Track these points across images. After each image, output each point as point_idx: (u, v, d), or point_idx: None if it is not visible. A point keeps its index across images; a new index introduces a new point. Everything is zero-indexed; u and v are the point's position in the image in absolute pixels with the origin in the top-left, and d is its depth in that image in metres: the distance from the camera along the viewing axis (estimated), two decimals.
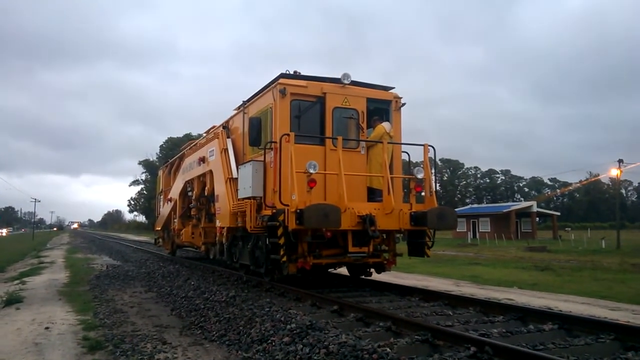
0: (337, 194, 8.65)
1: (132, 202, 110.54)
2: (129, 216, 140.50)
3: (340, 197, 8.43)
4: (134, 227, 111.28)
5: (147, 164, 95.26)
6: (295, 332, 6.20)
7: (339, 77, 9.76)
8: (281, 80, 9.45)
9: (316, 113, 9.69)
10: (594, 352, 5.30)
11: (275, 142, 9.08)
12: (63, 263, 21.26)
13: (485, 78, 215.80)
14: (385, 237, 9.48)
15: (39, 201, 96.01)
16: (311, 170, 8.27)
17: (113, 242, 41.79)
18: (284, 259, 8.37)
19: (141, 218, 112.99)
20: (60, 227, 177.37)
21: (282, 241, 8.32)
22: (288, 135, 8.54)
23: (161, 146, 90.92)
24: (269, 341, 6.27)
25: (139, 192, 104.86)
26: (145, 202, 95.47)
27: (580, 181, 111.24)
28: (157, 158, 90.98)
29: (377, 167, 9.48)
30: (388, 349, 5.16)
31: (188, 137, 78.26)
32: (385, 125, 9.83)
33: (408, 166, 10.46)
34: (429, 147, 9.43)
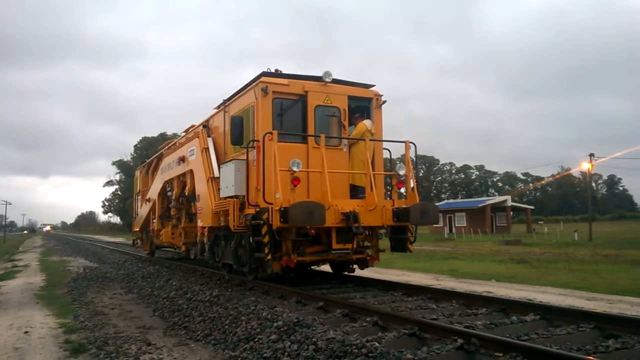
0: (320, 191, 8.70)
1: (107, 203, 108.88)
2: (103, 217, 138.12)
3: (323, 194, 8.48)
4: (108, 228, 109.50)
5: (121, 164, 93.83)
6: (282, 329, 6.22)
7: (320, 75, 9.79)
8: (263, 79, 9.43)
9: (298, 111, 9.70)
10: (576, 340, 5.45)
11: (258, 141, 9.07)
12: (38, 266, 20.84)
13: (454, 74, 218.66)
14: (368, 233, 9.57)
15: (10, 204, 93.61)
16: (295, 168, 8.29)
17: (88, 244, 41.07)
18: (269, 257, 8.38)
19: (116, 219, 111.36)
20: (32, 229, 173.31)
21: (266, 239, 8.32)
22: (271, 133, 8.53)
23: (135, 146, 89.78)
24: (256, 339, 6.27)
25: (113, 192, 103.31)
26: (120, 202, 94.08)
27: (553, 175, 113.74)
28: (131, 158, 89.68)
29: (360, 164, 9.55)
30: (377, 344, 5.22)
31: (163, 137, 77.45)
32: (367, 122, 9.91)
33: (390, 163, 10.57)
34: (410, 144, 9.55)
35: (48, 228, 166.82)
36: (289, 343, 5.76)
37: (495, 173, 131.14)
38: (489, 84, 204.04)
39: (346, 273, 10.75)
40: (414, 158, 10.06)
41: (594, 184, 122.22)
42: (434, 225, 50.92)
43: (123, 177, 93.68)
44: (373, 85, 10.61)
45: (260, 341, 6.14)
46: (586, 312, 6.60)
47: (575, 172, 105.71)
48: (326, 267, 11.39)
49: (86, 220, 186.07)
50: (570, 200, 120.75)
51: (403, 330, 5.72)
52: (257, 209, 8.73)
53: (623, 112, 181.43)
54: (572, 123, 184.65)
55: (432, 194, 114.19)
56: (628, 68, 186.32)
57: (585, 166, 42.27)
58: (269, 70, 9.86)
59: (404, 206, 9.07)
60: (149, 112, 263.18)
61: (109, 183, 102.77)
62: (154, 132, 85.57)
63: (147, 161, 20.36)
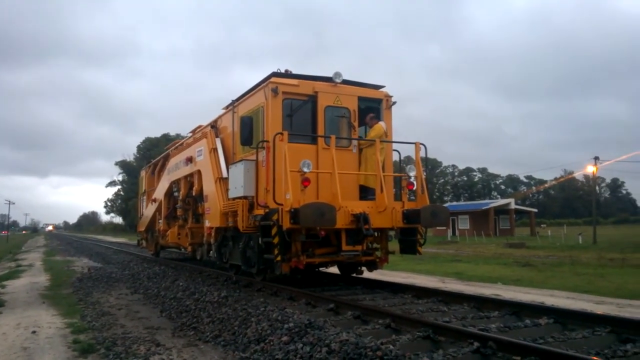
0: (330, 192, 8.65)
1: (109, 204, 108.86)
2: (105, 218, 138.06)
3: (334, 195, 8.43)
4: (111, 228, 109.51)
5: (124, 165, 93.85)
6: (294, 331, 6.16)
7: (331, 75, 9.76)
8: (273, 79, 9.39)
9: (308, 112, 9.66)
10: (592, 345, 5.40)
11: (268, 141, 9.03)
12: (42, 266, 20.81)
13: (448, 75, 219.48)
14: (378, 235, 9.51)
15: (14, 203, 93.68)
16: (305, 169, 8.25)
17: (91, 244, 41.11)
18: (278, 258, 8.32)
19: (118, 219, 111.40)
20: (35, 229, 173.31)
21: (276, 240, 8.26)
22: (282, 134, 8.49)
23: (139, 146, 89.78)
24: (267, 341, 6.22)
25: (115, 193, 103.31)
26: (123, 203, 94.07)
27: (556, 178, 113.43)
28: (134, 159, 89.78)
29: (374, 165, 9.48)
30: (391, 346, 5.17)
31: (166, 137, 77.54)
32: (382, 124, 9.89)
33: (399, 165, 10.52)
34: (420, 146, 9.50)
35: (50, 228, 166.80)
36: (301, 345, 5.70)
37: (498, 176, 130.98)
38: (483, 86, 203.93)
39: (354, 275, 10.70)
40: (426, 159, 10.02)
41: (597, 188, 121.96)
42: (437, 228, 50.87)
43: (126, 177, 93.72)
44: (383, 86, 10.56)
45: (272, 343, 6.09)
46: (601, 316, 6.53)
47: (578, 175, 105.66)
48: (333, 269, 11.35)
49: (88, 221, 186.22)
50: (573, 203, 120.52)
51: (417, 333, 5.66)
52: (267, 210, 8.69)
53: (620, 115, 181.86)
54: (571, 126, 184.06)
55: (434, 197, 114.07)
56: (620, 71, 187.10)
57: (590, 169, 42.16)
58: (278, 71, 9.83)
59: (414, 208, 9.03)
60: (145, 113, 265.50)
61: (112, 183, 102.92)
62: (151, 133, 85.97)
63: (153, 161, 20.36)
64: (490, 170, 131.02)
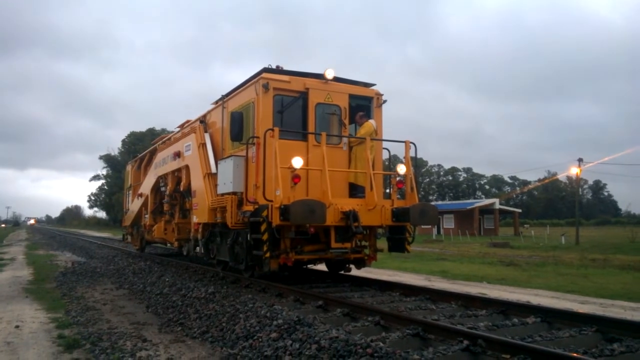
0: (320, 189, 8.66)
1: (93, 198, 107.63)
2: (89, 212, 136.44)
3: (324, 193, 8.43)
4: (94, 223, 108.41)
5: (108, 159, 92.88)
6: (282, 327, 6.15)
7: (322, 72, 9.73)
8: (264, 75, 9.35)
9: (299, 108, 9.64)
10: (579, 343, 5.47)
11: (258, 137, 8.99)
12: (24, 260, 20.50)
13: (426, 74, 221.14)
14: (366, 232, 9.53)
15: None
16: (296, 166, 8.22)
17: (74, 239, 40.57)
18: (267, 254, 8.30)
19: (102, 214, 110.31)
20: (16, 223, 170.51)
21: (265, 237, 8.24)
22: (272, 130, 8.46)
23: (123, 141, 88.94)
24: (256, 337, 6.20)
25: (99, 187, 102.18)
26: (107, 197, 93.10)
27: (540, 180, 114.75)
28: (119, 153, 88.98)
29: (364, 163, 9.48)
30: (381, 343, 5.18)
31: (151, 132, 76.96)
32: (372, 122, 9.89)
33: (389, 163, 10.56)
34: (410, 144, 9.53)
35: (32, 221, 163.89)
36: (290, 342, 5.69)
37: (482, 176, 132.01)
38: (463, 86, 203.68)
39: (342, 272, 10.71)
40: (415, 158, 10.05)
41: (580, 189, 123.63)
42: (422, 226, 51.11)
43: (110, 171, 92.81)
44: (374, 85, 10.57)
45: (260, 339, 6.08)
46: (587, 315, 6.61)
47: (561, 176, 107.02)
48: (321, 266, 11.35)
49: (71, 215, 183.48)
50: (556, 204, 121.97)
51: (407, 331, 5.69)
52: (256, 206, 8.65)
53: (596, 117, 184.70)
54: (550, 127, 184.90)
55: (420, 195, 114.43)
56: (594, 73, 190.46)
57: (574, 171, 42.63)
58: (270, 67, 9.79)
59: (403, 206, 9.05)
60: (125, 107, 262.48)
61: (96, 177, 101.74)
62: (132, 127, 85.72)
63: (140, 155, 20.17)
64: (475, 170, 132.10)
